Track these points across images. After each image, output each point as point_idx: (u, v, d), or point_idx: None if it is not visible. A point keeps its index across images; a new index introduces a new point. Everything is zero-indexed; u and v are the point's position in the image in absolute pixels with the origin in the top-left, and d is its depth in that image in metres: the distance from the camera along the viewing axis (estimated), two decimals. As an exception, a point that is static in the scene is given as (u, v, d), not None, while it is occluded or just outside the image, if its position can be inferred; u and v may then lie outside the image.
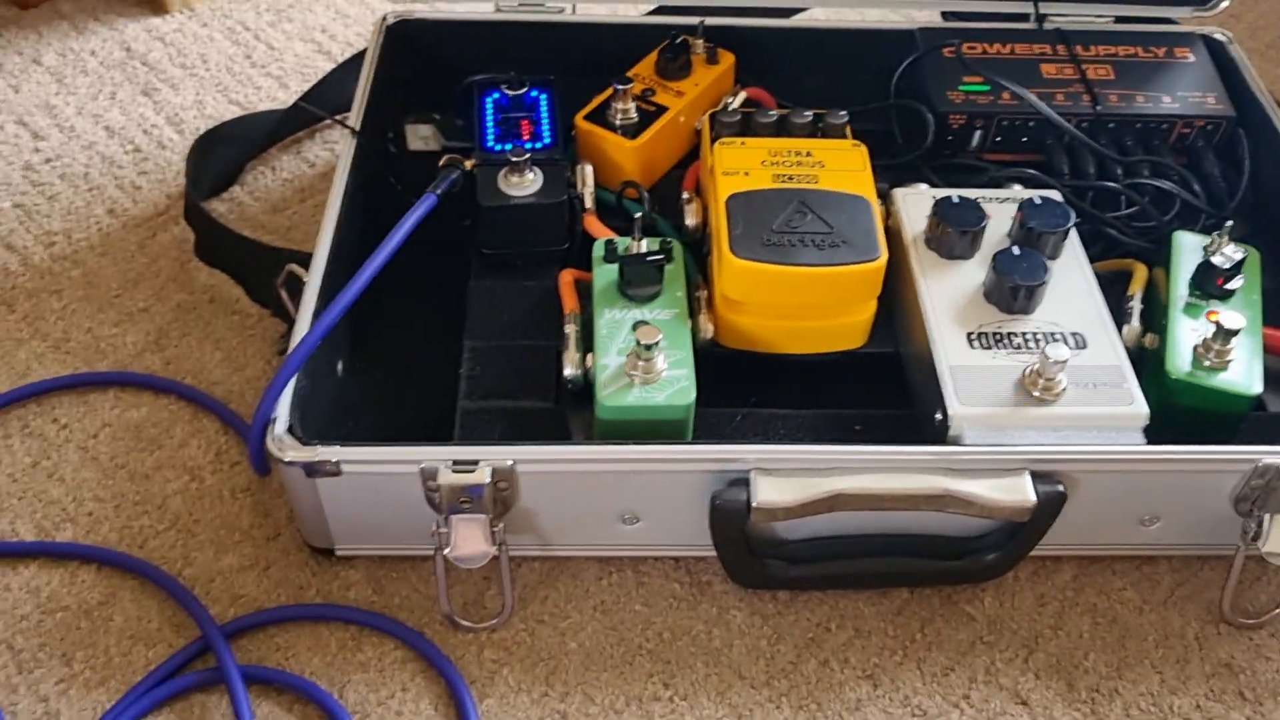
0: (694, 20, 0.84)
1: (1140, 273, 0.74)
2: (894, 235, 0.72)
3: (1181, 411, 0.66)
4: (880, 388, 0.70)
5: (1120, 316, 0.70)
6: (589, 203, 0.75)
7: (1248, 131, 0.83)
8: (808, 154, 0.72)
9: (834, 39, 0.87)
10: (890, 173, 0.80)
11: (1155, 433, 0.67)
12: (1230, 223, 0.72)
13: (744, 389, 0.70)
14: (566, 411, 0.68)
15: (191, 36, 1.01)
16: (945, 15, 0.90)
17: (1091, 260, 0.76)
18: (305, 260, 0.70)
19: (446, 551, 0.62)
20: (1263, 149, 0.82)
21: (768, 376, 0.70)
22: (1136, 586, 0.68)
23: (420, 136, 0.86)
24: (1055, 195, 0.73)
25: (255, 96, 0.96)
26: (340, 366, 0.72)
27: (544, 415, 0.67)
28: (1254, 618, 0.67)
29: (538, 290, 0.73)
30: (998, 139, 0.81)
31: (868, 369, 0.71)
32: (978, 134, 0.81)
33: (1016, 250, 0.67)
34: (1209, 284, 0.69)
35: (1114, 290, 0.72)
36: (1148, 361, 0.68)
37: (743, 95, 0.82)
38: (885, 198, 0.74)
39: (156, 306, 0.80)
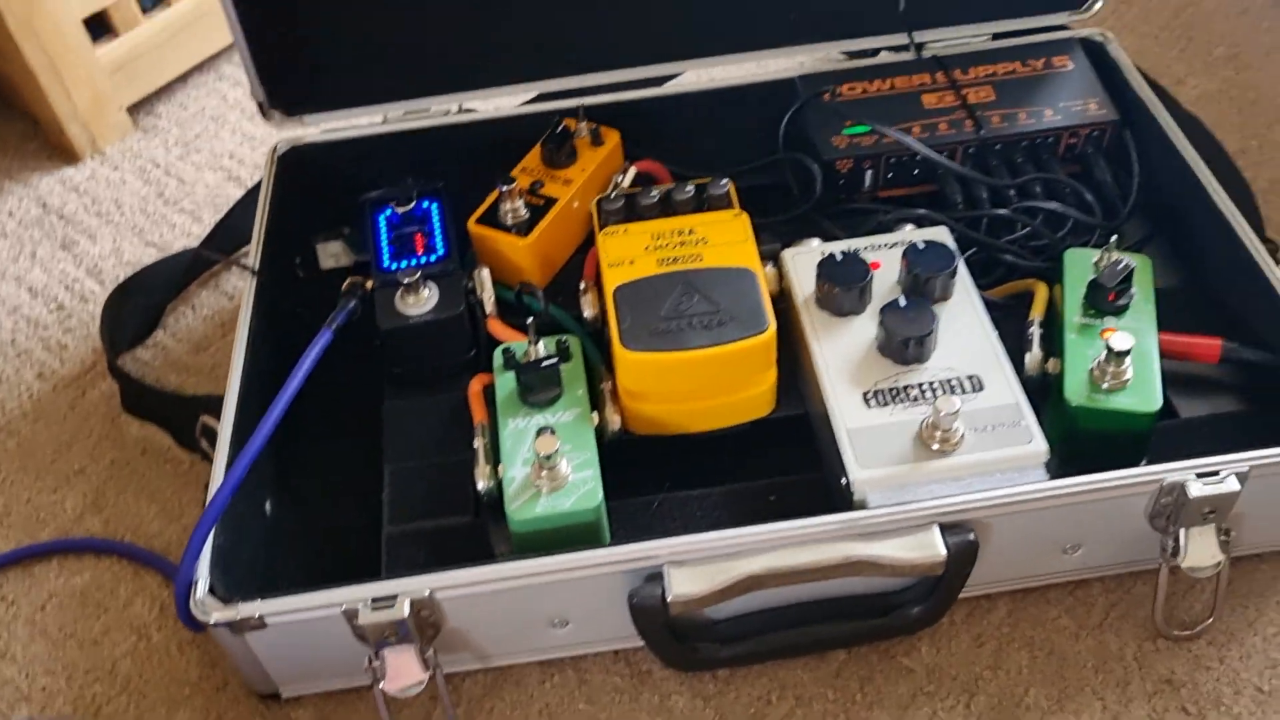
0: (574, 104, 0.86)
1: (1041, 294, 0.74)
2: (787, 297, 0.73)
3: (1089, 434, 0.67)
4: (794, 452, 0.71)
5: (1023, 343, 0.71)
6: (489, 307, 0.76)
7: (1134, 131, 0.83)
8: (690, 232, 0.73)
9: (716, 99, 0.88)
10: (789, 225, 0.81)
11: (1067, 457, 0.68)
12: (1115, 237, 0.72)
13: (660, 473, 0.71)
14: (487, 524, 0.68)
15: (104, 182, 1.03)
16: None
17: (996, 283, 0.78)
18: (219, 405, 0.71)
19: (382, 685, 0.63)
20: (1151, 146, 0.82)
21: (682, 457, 0.71)
22: (1071, 613, 0.68)
23: (331, 254, 0.87)
24: (942, 234, 0.74)
25: (170, 235, 0.97)
26: (268, 505, 0.73)
27: (466, 531, 0.68)
28: (1189, 629, 0.67)
29: (450, 403, 0.74)
30: (889, 176, 0.82)
31: (780, 434, 0.71)
32: (868, 175, 0.82)
33: (903, 301, 0.67)
34: (1101, 300, 0.70)
35: (1021, 312, 0.73)
36: (1052, 387, 0.69)
37: (633, 171, 0.83)
38: (777, 259, 0.75)
39: (91, 466, 0.81)
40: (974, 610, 0.69)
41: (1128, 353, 0.65)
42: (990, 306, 0.75)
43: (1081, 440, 0.67)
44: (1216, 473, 0.62)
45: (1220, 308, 0.76)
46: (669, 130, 0.88)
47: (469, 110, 0.89)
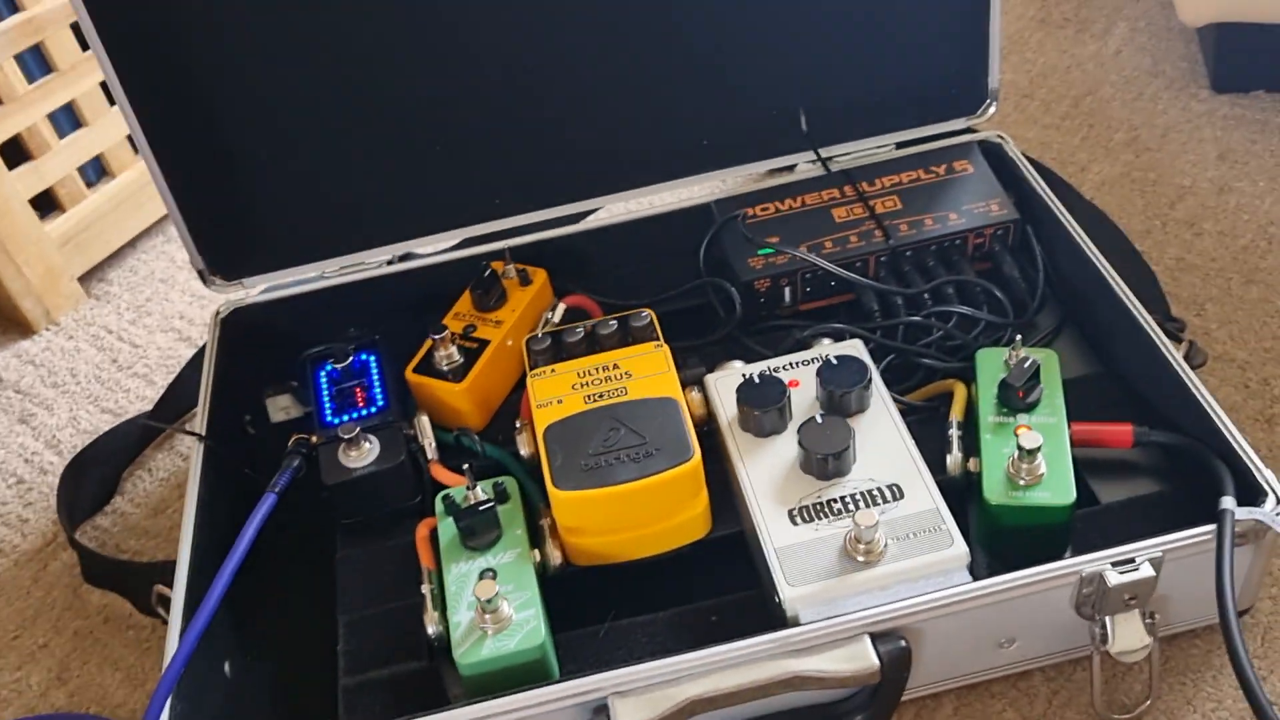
0: (501, 245, 0.89)
1: (959, 394, 0.77)
2: (714, 421, 0.75)
3: (1012, 529, 0.70)
4: (734, 569, 0.73)
5: (944, 444, 0.74)
6: (430, 453, 0.78)
7: (1036, 227, 0.87)
8: (614, 366, 0.76)
9: (637, 229, 0.91)
10: (714, 347, 0.85)
11: (995, 551, 0.70)
12: (1019, 337, 0.75)
13: (605, 602, 0.73)
14: (441, 669, 0.70)
15: (59, 352, 1.06)
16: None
17: (917, 386, 0.81)
18: (173, 572, 0.73)
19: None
20: (1054, 241, 0.86)
21: (625, 585, 0.73)
22: (1015, 705, 0.70)
23: (280, 408, 0.90)
24: (856, 347, 0.77)
25: (125, 400, 1.00)
26: (227, 667, 0.75)
27: (421, 677, 0.70)
28: (1130, 711, 0.69)
29: (402, 548, 0.76)
30: (807, 290, 0.86)
31: (719, 553, 0.73)
32: (787, 291, 0.86)
33: (819, 418, 0.70)
34: (1012, 399, 0.73)
35: (945, 412, 0.76)
36: (975, 485, 0.71)
37: (562, 307, 0.86)
38: (702, 384, 0.78)
39: (55, 640, 0.83)
40: (920, 711, 0.70)
41: (1038, 449, 0.68)
42: (912, 410, 0.78)
43: (1006, 535, 0.70)
44: (1132, 560, 0.65)
45: (1131, 393, 0.79)
46: (595, 263, 0.91)
47: (405, 259, 0.92)
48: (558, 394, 0.74)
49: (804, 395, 0.75)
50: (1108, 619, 0.66)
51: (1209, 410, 0.70)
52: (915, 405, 0.78)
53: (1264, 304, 0.90)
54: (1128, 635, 0.66)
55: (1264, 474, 0.67)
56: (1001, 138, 0.92)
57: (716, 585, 0.72)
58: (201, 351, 0.95)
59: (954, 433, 0.74)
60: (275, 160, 0.86)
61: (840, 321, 0.84)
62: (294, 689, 0.74)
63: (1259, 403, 0.84)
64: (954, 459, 0.72)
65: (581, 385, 0.75)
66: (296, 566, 0.80)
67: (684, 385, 0.76)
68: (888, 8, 0.88)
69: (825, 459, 0.69)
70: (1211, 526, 0.65)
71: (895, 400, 0.75)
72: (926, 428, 0.75)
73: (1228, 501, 0.65)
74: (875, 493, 0.69)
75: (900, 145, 0.94)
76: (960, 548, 0.66)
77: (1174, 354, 0.74)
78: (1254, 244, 0.95)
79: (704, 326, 0.87)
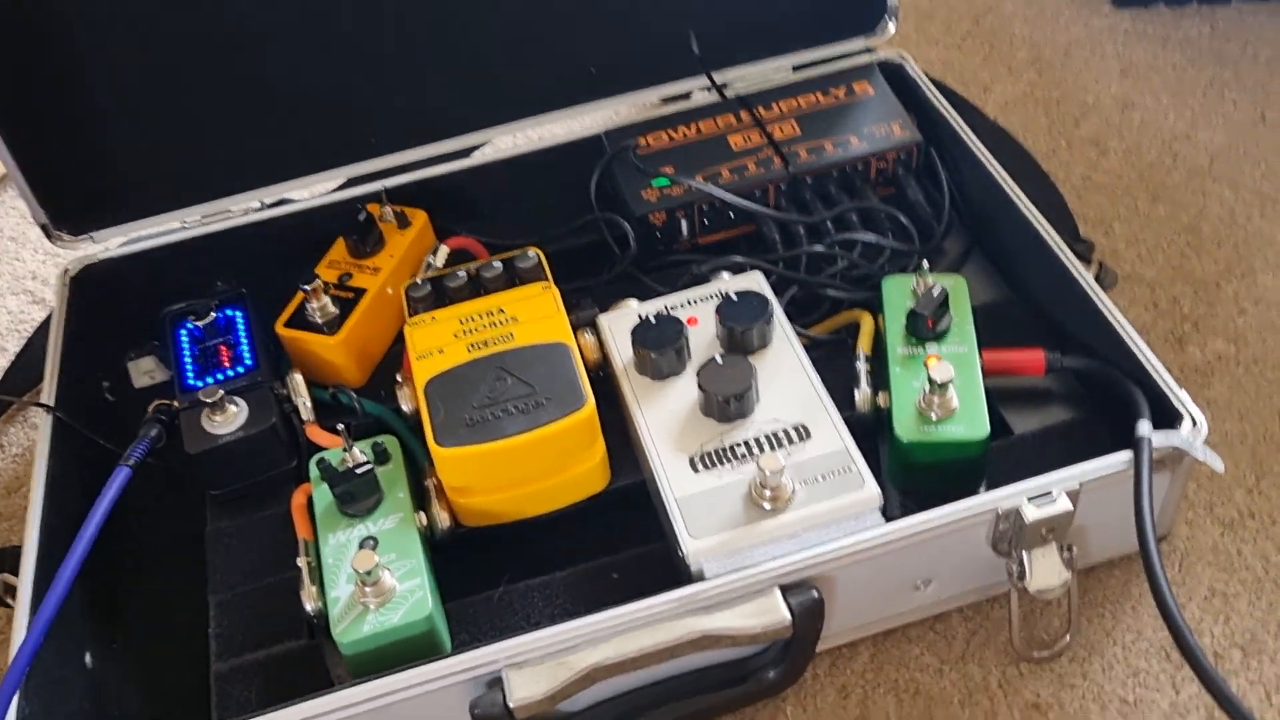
0: (377, 187, 0.83)
1: (866, 326, 0.73)
2: (608, 365, 0.71)
3: (926, 465, 0.66)
4: (636, 521, 0.68)
5: (852, 380, 0.70)
6: (305, 413, 0.72)
7: (941, 149, 0.83)
8: (499, 311, 0.70)
9: (523, 165, 0.85)
10: (610, 286, 0.80)
11: (909, 488, 0.67)
12: (926, 263, 0.72)
13: (499, 565, 0.68)
14: (323, 648, 0.65)
15: (-101, 321, 0.97)
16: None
17: (823, 318, 0.77)
18: (18, 558, 0.67)
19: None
20: (959, 163, 0.82)
21: (520, 545, 0.68)
22: (933, 648, 0.67)
23: (144, 371, 0.82)
24: (756, 279, 0.73)
25: (-27, 370, 0.91)
26: (89, 658, 0.68)
27: (301, 657, 0.65)
28: (1049, 647, 0.66)
29: (276, 519, 0.70)
30: (705, 223, 0.81)
31: (619, 506, 0.69)
32: (684, 224, 0.81)
33: (719, 358, 0.66)
34: (921, 329, 0.69)
35: (852, 345, 0.72)
36: (886, 422, 0.68)
37: (444, 250, 0.80)
38: (595, 325, 0.73)
39: (-100, 637, 0.75)
40: (836, 660, 0.67)
41: (950, 382, 0.65)
42: (818, 343, 0.75)
43: (920, 472, 0.67)
44: (1049, 493, 0.62)
45: (1043, 317, 0.76)
46: (480, 203, 0.86)
47: (279, 205, 0.85)
48: (438, 344, 0.69)
49: (704, 333, 0.70)
50: (1025, 554, 0.63)
51: (1121, 333, 0.68)
52: (821, 339, 0.75)
53: (1170, 221, 0.88)
54: (1045, 571, 0.63)
55: (1179, 396, 0.64)
56: (903, 57, 0.88)
57: (619, 540, 0.68)
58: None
59: (861, 366, 0.70)
60: (121, 104, 0.78)
61: (741, 254, 0.79)
62: (163, 677, 0.68)
63: (1169, 322, 0.81)
64: (863, 394, 0.69)
65: (465, 333, 0.69)
66: (164, 544, 0.73)
67: (576, 328, 0.71)
68: (778, -81, 0.83)
69: (726, 401, 0.64)
70: (1128, 454, 0.62)
71: (800, 334, 0.71)
72: (834, 362, 0.71)
73: (1144, 428, 0.63)
74: (781, 434, 0.65)
75: (798, 69, 0.89)
76: (872, 489, 0.62)
77: (1084, 276, 0.71)
78: (1159, 160, 0.92)
79: (599, 265, 0.81)
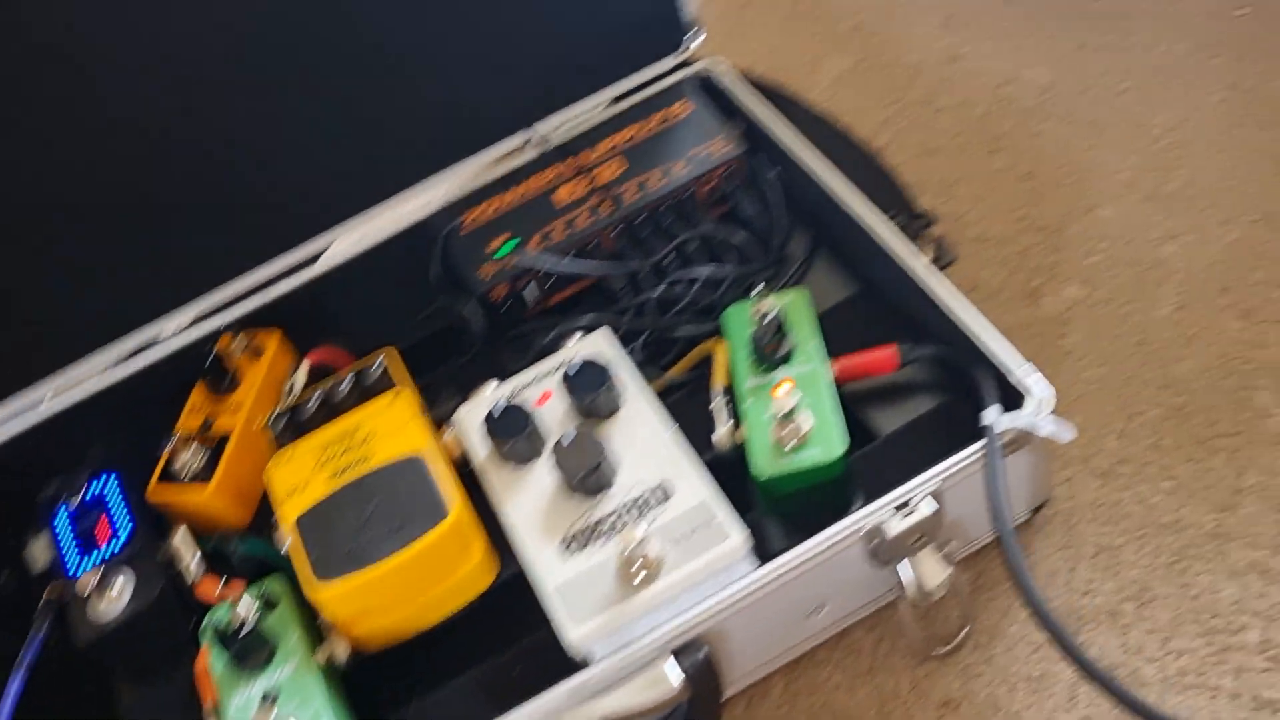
0: (225, 320, 0.83)
1: (719, 358, 0.73)
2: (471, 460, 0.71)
3: (793, 495, 0.67)
4: (529, 608, 0.68)
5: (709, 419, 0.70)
6: (192, 573, 0.72)
7: (768, 152, 0.83)
8: (356, 430, 0.70)
9: (363, 263, 0.84)
10: (469, 368, 0.79)
11: (784, 517, 0.68)
12: (760, 286, 0.72)
13: (407, 680, 0.68)
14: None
15: None
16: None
17: (679, 357, 0.77)
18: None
19: None
20: (783, 166, 0.82)
21: (423, 656, 0.69)
22: (841, 666, 0.68)
23: (41, 550, 0.82)
24: (604, 338, 0.73)
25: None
26: None
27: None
28: (950, 641, 0.67)
29: (188, 684, 0.69)
30: (549, 286, 0.81)
31: (510, 596, 0.69)
32: (528, 291, 0.81)
33: (566, 437, 0.66)
34: (764, 355, 0.69)
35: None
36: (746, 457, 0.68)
37: (305, 366, 0.80)
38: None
39: None
40: (752, 698, 0.68)
41: (795, 409, 0.65)
42: (680, 384, 0.75)
43: (789, 499, 0.67)
44: (907, 502, 0.62)
45: (892, 307, 0.76)
46: (333, 309, 0.85)
47: (132, 355, 0.85)
48: (301, 479, 0.69)
49: (559, 406, 0.70)
50: (906, 560, 0.64)
51: (957, 320, 0.68)
52: (680, 381, 0.75)
53: (1009, 171, 0.88)
54: (928, 574, 0.64)
55: (1017, 374, 0.65)
56: (710, 69, 0.88)
57: (516, 631, 0.68)
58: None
59: (719, 402, 0.71)
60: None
61: (594, 305, 0.80)
62: None
63: (1021, 276, 0.82)
64: (720, 434, 0.69)
65: (325, 461, 0.69)
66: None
67: (440, 424, 0.71)
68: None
69: (584, 477, 0.65)
70: (981, 444, 0.63)
71: (664, 379, 0.72)
72: (696, 398, 0.72)
73: (989, 415, 0.64)
74: (643, 499, 0.65)
75: (620, 99, 0.89)
76: (736, 538, 0.62)
77: (916, 262, 0.72)
78: (991, 110, 0.93)
79: (462, 346, 0.81)
